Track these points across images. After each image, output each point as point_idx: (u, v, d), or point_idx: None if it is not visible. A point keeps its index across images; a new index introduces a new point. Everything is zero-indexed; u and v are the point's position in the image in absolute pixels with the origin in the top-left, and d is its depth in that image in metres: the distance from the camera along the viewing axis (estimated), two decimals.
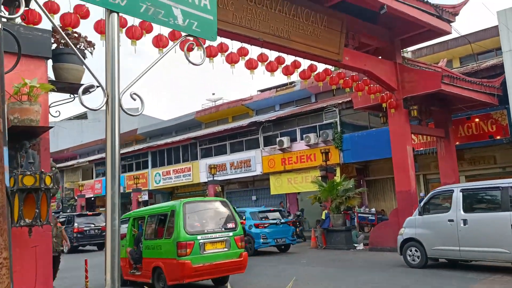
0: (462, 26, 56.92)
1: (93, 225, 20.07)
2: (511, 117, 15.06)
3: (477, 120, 16.84)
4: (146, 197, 30.56)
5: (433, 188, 19.87)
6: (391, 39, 13.90)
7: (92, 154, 39.55)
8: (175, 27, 2.08)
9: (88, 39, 4.35)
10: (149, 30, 8.37)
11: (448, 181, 15.93)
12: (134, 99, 1.98)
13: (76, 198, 34.63)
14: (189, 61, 2.37)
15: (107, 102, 1.83)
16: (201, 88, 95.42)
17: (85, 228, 19.75)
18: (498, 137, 16.32)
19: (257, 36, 9.97)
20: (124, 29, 8.05)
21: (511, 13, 14.50)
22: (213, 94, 34.05)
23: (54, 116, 4.35)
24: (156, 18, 2.01)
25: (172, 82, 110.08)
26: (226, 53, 9.63)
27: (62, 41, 4.31)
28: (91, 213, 23.02)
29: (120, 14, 1.96)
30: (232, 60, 9.72)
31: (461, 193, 9.94)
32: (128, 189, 30.86)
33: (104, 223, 17.11)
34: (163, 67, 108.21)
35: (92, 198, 36.34)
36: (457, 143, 16.77)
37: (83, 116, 50.41)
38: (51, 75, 4.56)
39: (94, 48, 4.32)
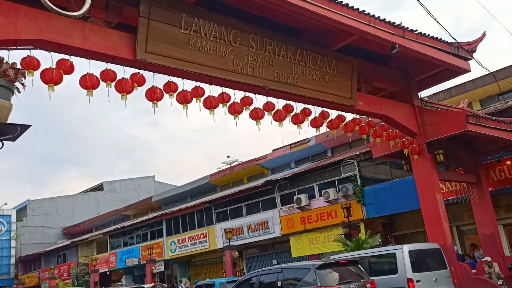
0: (478, 67, 56.39)
1: None
2: None
3: (508, 162, 15.52)
4: (161, 268, 29.04)
5: (469, 241, 18.28)
6: (407, 81, 13.09)
7: (108, 226, 38.59)
8: None
9: (17, 66, 3.53)
10: (141, 82, 7.69)
11: (485, 231, 14.39)
12: None
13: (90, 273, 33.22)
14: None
15: None
16: (217, 153, 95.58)
17: None
18: None
19: (261, 84, 9.23)
20: (113, 83, 7.37)
21: None
22: (228, 156, 33.29)
23: None
24: None
25: (189, 150, 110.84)
26: (228, 104, 8.86)
27: None
28: None
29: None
30: (235, 110, 8.92)
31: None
32: (143, 261, 29.47)
33: None
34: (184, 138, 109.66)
35: (107, 273, 34.85)
36: (490, 189, 15.36)
37: (99, 188, 50.08)
38: None
39: (25, 78, 3.50)
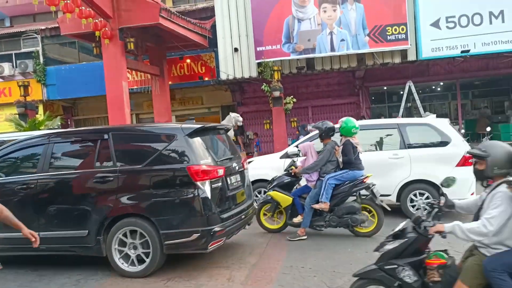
0: None
1: None
2: (218, 59, 15.88)
3: (188, 61, 17.22)
4: None
5: None
6: None
7: None
8: None
9: None
10: None
11: (161, 120, 15.89)
12: None
13: None
14: None
15: None
16: None
17: None
18: (206, 79, 17.19)
19: None
20: None
21: None
22: None
23: None
24: None
25: None
26: None
27: None
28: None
29: None
30: None
31: None
32: None
33: None
34: None
35: None
36: (170, 82, 16.82)
37: None
38: None
39: None
